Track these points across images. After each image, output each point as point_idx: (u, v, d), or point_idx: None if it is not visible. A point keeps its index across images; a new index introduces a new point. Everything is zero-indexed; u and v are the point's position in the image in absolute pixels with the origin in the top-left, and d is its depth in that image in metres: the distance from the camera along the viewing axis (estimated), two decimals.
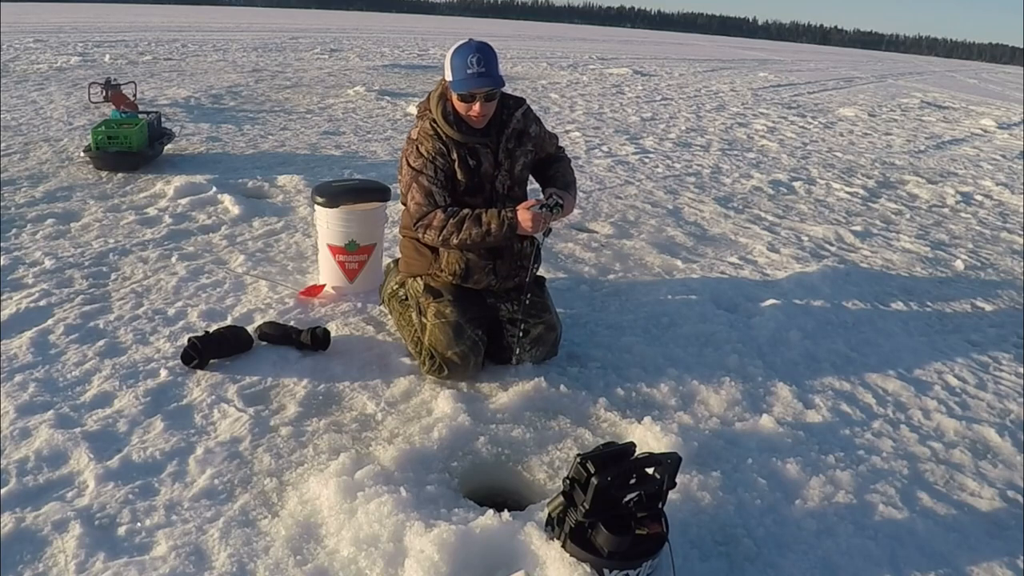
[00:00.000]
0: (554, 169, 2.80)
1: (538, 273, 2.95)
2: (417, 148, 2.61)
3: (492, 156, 2.65)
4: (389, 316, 3.08)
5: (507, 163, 2.67)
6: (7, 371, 2.51)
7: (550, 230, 2.55)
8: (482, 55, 2.48)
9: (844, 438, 2.49)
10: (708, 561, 1.86)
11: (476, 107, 2.51)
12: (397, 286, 2.94)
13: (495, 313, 2.74)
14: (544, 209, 2.47)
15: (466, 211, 2.55)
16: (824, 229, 4.96)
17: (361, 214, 3.24)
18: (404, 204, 2.68)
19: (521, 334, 2.68)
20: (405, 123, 7.97)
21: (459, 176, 2.60)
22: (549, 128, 2.86)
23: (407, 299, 2.86)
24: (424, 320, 2.69)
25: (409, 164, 2.61)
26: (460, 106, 2.54)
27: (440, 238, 2.55)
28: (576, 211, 4.93)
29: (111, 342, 2.76)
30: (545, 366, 2.75)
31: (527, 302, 2.69)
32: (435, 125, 2.60)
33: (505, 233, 2.49)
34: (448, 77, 2.53)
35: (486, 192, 2.65)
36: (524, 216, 2.46)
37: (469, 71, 2.46)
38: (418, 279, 2.78)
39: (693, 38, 69.68)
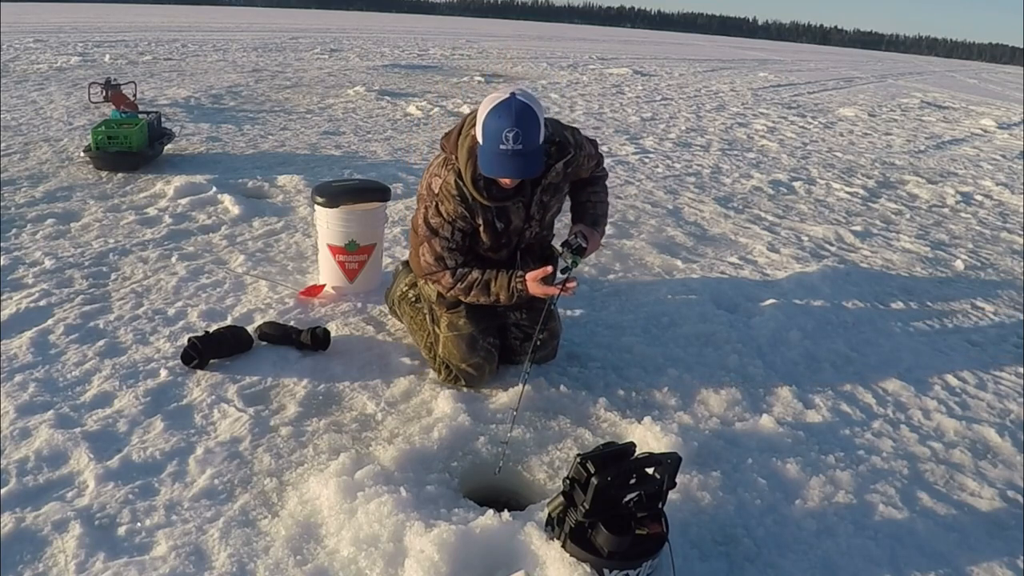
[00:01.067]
0: (587, 195, 2.58)
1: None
2: (437, 207, 2.40)
3: (523, 211, 2.45)
4: (391, 317, 3.08)
5: (539, 215, 2.50)
6: (7, 371, 2.51)
7: (583, 250, 2.35)
8: (521, 130, 2.10)
9: (844, 438, 2.49)
10: (708, 561, 1.86)
11: (507, 181, 2.29)
12: (407, 287, 2.88)
13: (504, 320, 2.71)
14: (562, 270, 2.29)
15: (475, 276, 2.44)
16: (824, 229, 4.96)
17: (361, 214, 3.24)
18: (415, 238, 2.56)
19: (523, 337, 2.66)
20: (405, 123, 7.98)
21: (484, 238, 2.46)
22: (588, 137, 2.58)
23: (418, 301, 2.81)
24: (437, 330, 2.65)
25: (426, 219, 2.43)
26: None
27: (445, 291, 2.53)
28: None
29: (111, 342, 2.76)
30: (545, 366, 2.75)
31: (539, 340, 2.43)
32: (461, 184, 2.34)
33: (515, 302, 2.46)
34: (479, 139, 2.22)
35: (512, 245, 2.56)
36: (535, 289, 2.33)
37: (503, 147, 2.12)
38: (429, 283, 2.76)
39: (693, 38, 69.68)
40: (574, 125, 2.60)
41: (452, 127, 2.44)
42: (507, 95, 2.16)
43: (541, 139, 2.20)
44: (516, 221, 2.47)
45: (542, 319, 2.34)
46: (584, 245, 2.36)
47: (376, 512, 1.86)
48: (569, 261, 2.31)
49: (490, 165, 2.20)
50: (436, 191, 2.41)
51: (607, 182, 2.69)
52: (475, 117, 2.26)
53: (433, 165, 2.49)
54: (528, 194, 2.42)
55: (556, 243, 2.57)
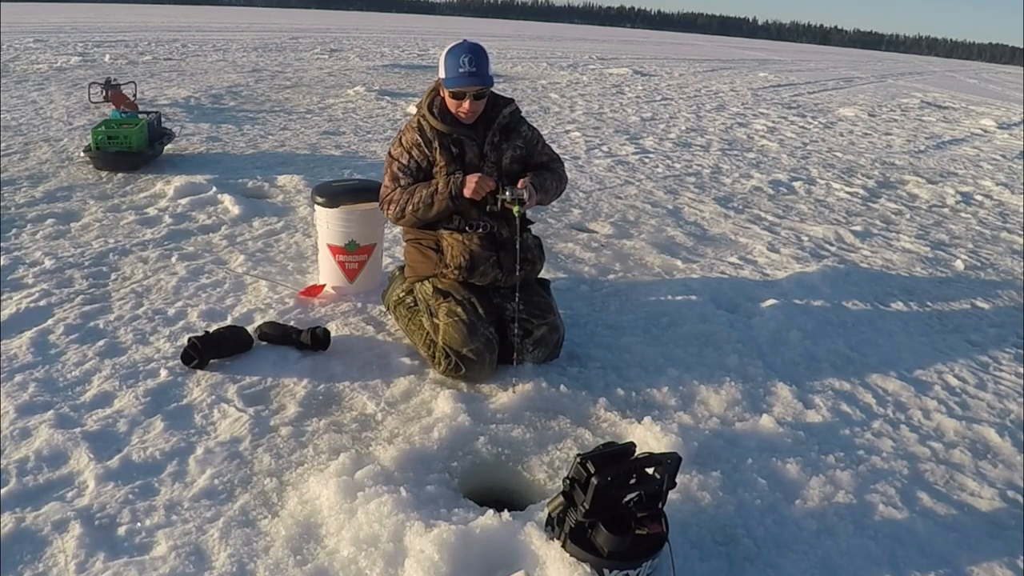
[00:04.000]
0: (540, 170, 2.86)
1: (540, 275, 2.95)
2: (400, 139, 2.79)
3: (477, 148, 2.74)
4: (391, 319, 3.08)
5: (493, 155, 2.75)
6: (7, 371, 2.51)
7: (522, 202, 2.58)
8: (474, 55, 2.61)
9: (844, 438, 2.48)
10: (708, 561, 1.86)
11: (466, 104, 2.65)
12: (404, 293, 2.93)
13: (501, 313, 2.74)
14: (498, 183, 2.60)
15: (420, 185, 2.70)
16: (824, 229, 4.96)
17: (361, 214, 3.24)
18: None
19: (523, 333, 2.68)
20: (405, 123, 7.97)
21: (440, 162, 2.71)
22: (549, 143, 2.97)
23: (415, 305, 2.85)
24: (436, 321, 2.68)
25: (389, 153, 2.81)
26: (451, 103, 2.68)
27: (398, 208, 2.72)
28: (576, 211, 4.95)
29: (111, 342, 2.76)
30: (545, 366, 2.75)
31: (520, 307, 2.70)
32: (422, 118, 2.74)
33: (451, 191, 2.61)
34: (441, 75, 2.68)
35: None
36: (470, 177, 2.60)
37: (460, 70, 2.60)
38: (426, 283, 2.78)
39: (693, 38, 69.69)
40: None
41: None
42: (460, 40, 2.71)
43: (490, 70, 2.67)
44: (470, 155, 2.73)
45: (519, 226, 2.65)
46: (522, 196, 2.59)
47: (376, 512, 1.86)
48: (508, 194, 2.59)
49: (451, 83, 2.63)
50: (402, 129, 2.82)
51: (564, 182, 2.93)
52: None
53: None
54: (481, 134, 2.75)
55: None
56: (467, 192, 2.60)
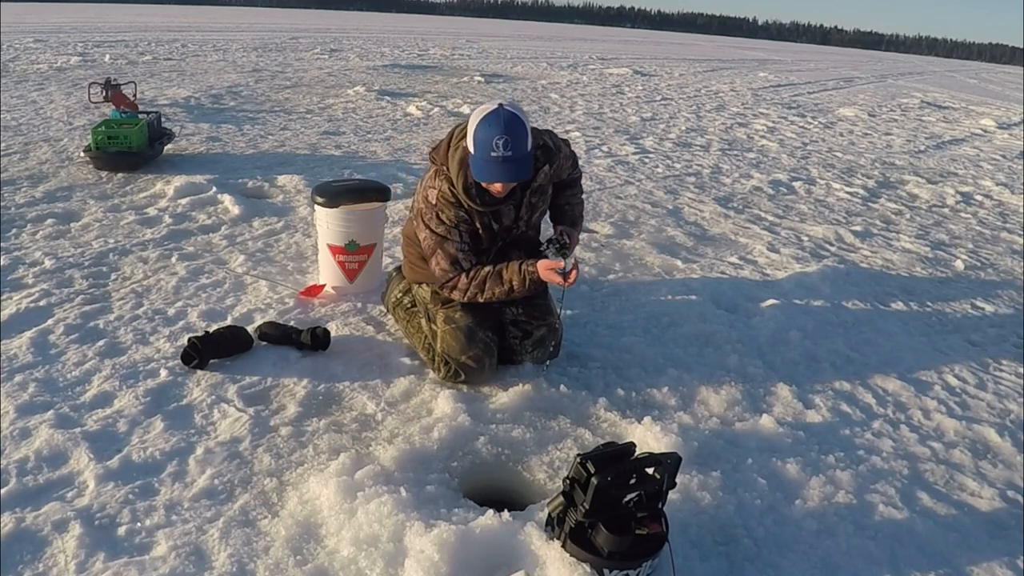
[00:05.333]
0: (565, 199, 2.72)
1: None
2: (438, 216, 2.48)
3: (513, 212, 2.57)
4: (391, 319, 3.08)
5: (527, 215, 2.60)
6: (7, 371, 2.51)
7: (567, 252, 2.48)
8: (510, 137, 2.22)
9: (844, 438, 2.49)
10: (708, 561, 1.86)
11: (498, 186, 2.37)
12: (401, 294, 2.93)
13: (500, 316, 2.73)
14: (561, 257, 2.41)
15: (487, 270, 2.49)
16: (824, 229, 4.96)
17: (361, 214, 3.24)
18: (426, 252, 2.60)
19: (522, 335, 2.68)
20: (405, 123, 7.98)
21: (482, 239, 2.56)
22: (565, 144, 2.70)
23: (414, 306, 2.84)
24: (434, 327, 2.67)
25: (431, 229, 2.50)
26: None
27: (465, 299, 2.56)
28: None
29: (111, 342, 2.76)
30: (545, 366, 2.75)
31: (538, 332, 2.64)
32: (454, 192, 2.45)
33: (528, 289, 2.49)
34: (470, 148, 2.32)
35: (499, 240, 2.63)
36: (547, 275, 2.41)
37: (493, 154, 2.24)
38: (423, 286, 2.77)
39: (693, 38, 69.66)
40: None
41: (439, 141, 2.53)
42: (495, 106, 2.28)
43: (529, 146, 2.32)
44: (506, 221, 2.58)
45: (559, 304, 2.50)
46: (566, 241, 2.47)
47: (376, 512, 1.86)
48: (553, 256, 2.43)
49: (482, 172, 2.31)
50: (434, 202, 2.49)
51: (581, 181, 2.80)
52: (464, 129, 2.37)
53: (426, 178, 2.58)
54: (518, 197, 2.54)
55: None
56: (545, 279, 2.44)
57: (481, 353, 2.58)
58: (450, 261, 2.51)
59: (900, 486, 2.24)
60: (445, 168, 2.47)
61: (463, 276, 2.52)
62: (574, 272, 2.39)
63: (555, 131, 2.71)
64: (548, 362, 2.72)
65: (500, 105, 2.29)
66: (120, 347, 2.73)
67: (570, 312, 3.25)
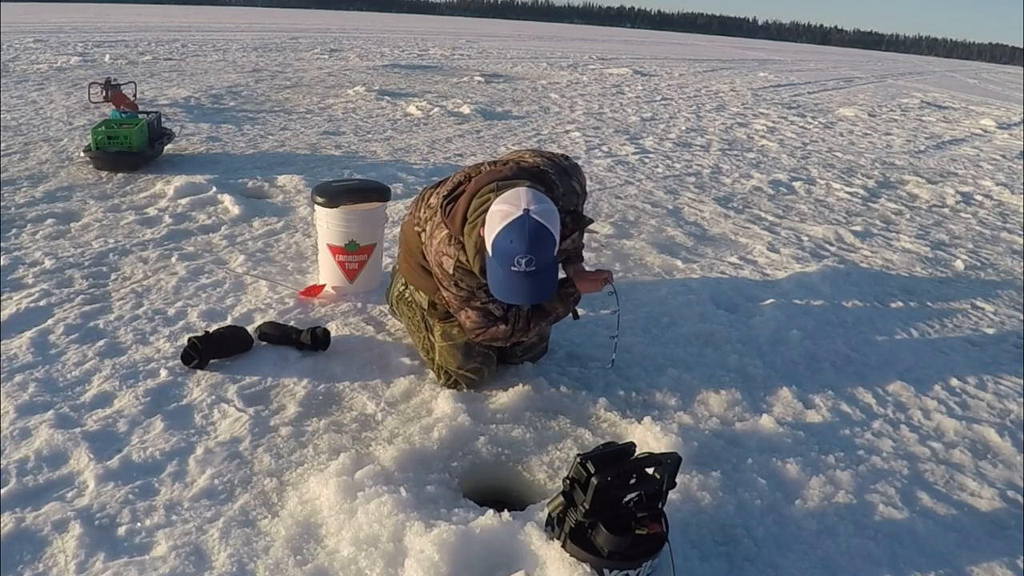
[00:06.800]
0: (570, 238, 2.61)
1: None
2: (457, 284, 2.33)
3: None
4: (391, 317, 3.08)
5: None
6: (7, 371, 2.51)
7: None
8: (535, 255, 1.97)
9: (844, 438, 2.49)
10: (708, 561, 1.86)
11: None
12: (403, 287, 2.85)
13: None
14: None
15: (525, 310, 2.41)
16: (824, 229, 4.96)
17: (361, 214, 3.24)
18: (450, 308, 2.49)
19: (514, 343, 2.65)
20: (405, 123, 7.97)
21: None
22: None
23: (414, 302, 2.82)
24: (432, 339, 2.64)
25: (452, 292, 2.38)
26: None
27: (510, 342, 2.51)
28: None
29: (111, 342, 2.76)
30: (545, 366, 2.75)
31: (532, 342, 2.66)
32: (471, 266, 2.28)
33: (571, 308, 2.53)
34: (487, 245, 2.08)
35: None
36: (590, 288, 2.49)
37: (514, 269, 2.01)
38: (421, 292, 2.70)
39: (693, 38, 69.64)
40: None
41: (450, 193, 2.29)
42: (520, 212, 1.97)
43: (556, 251, 2.07)
44: None
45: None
46: (612, 290, 2.57)
47: (376, 512, 1.86)
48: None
49: (501, 288, 2.11)
50: (451, 272, 2.31)
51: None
52: (483, 206, 2.12)
53: (437, 240, 2.34)
54: None
55: None
56: (585, 291, 2.50)
57: (480, 365, 2.56)
58: (481, 315, 2.39)
59: (900, 486, 2.24)
60: (460, 238, 2.25)
61: (502, 325, 2.40)
62: (606, 273, 2.54)
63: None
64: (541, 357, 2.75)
65: (526, 211, 1.97)
66: (120, 347, 2.73)
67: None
